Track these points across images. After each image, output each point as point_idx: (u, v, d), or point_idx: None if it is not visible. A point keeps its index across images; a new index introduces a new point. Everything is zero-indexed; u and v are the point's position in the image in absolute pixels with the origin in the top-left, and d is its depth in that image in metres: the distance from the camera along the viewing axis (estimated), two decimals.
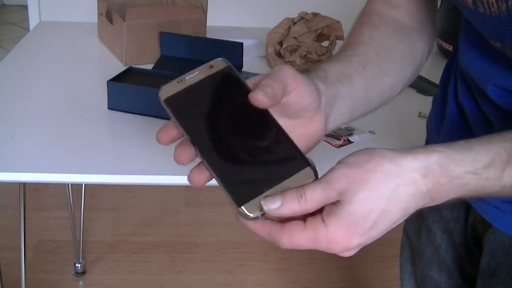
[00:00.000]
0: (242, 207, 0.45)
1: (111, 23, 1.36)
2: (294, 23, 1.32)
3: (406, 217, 0.47)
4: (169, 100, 0.47)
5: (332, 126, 0.57)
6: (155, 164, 0.89)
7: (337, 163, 0.46)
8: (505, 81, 0.59)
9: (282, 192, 0.45)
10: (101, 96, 1.11)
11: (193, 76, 0.48)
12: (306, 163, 0.47)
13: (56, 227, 2.07)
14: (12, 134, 0.95)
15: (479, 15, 0.56)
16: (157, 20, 1.32)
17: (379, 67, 0.61)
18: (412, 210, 0.46)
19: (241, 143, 0.47)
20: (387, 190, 0.45)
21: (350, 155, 0.47)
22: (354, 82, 0.58)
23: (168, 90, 0.48)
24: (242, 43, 1.24)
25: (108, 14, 1.38)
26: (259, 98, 0.46)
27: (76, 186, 1.89)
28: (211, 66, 0.49)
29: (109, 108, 1.07)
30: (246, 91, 0.47)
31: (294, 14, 1.35)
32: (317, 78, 0.55)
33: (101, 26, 1.45)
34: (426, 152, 0.46)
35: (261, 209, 0.45)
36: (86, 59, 1.35)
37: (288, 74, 0.48)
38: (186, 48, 1.28)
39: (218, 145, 0.46)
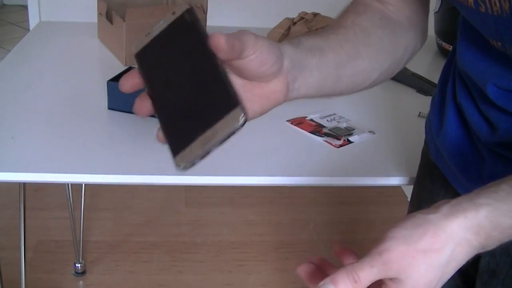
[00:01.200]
0: (176, 158, 0.43)
1: (111, 23, 1.36)
2: (294, 23, 1.32)
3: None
4: (138, 54, 0.47)
5: (295, 94, 0.56)
6: (155, 164, 0.89)
7: (388, 236, 0.46)
8: (504, 81, 0.59)
9: (332, 276, 0.45)
10: (101, 96, 1.11)
11: (158, 27, 0.48)
12: (235, 104, 0.43)
13: (56, 227, 2.07)
14: (12, 134, 0.95)
15: (480, 14, 0.55)
16: (157, 20, 1.32)
17: (355, 48, 0.61)
18: (463, 263, 0.48)
19: (182, 91, 0.45)
20: (444, 258, 0.46)
21: (399, 226, 0.47)
22: (326, 56, 0.58)
23: (138, 44, 0.48)
24: None
25: (108, 14, 1.38)
26: (219, 38, 0.45)
27: (76, 186, 1.89)
28: (173, 13, 0.48)
29: (109, 108, 1.07)
30: (202, 37, 0.46)
31: (294, 14, 1.35)
32: (288, 44, 0.55)
33: (101, 26, 1.45)
34: (474, 208, 0.47)
35: (192, 160, 0.43)
36: (86, 59, 1.35)
37: (249, 38, 0.48)
38: None
39: (165, 95, 0.46)
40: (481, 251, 0.48)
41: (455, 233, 0.46)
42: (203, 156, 0.44)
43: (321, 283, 0.45)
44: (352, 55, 0.60)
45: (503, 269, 0.67)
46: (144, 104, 0.48)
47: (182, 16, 0.47)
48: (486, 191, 0.48)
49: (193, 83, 0.45)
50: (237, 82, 0.50)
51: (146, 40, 0.47)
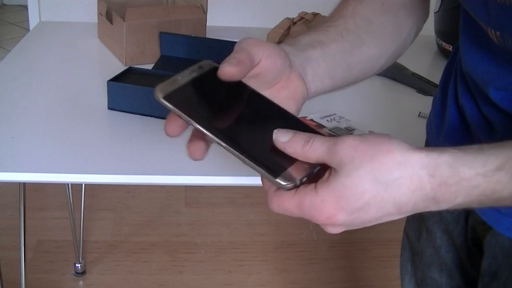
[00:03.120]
0: (278, 179, 0.45)
1: (111, 23, 1.36)
2: (294, 23, 1.32)
3: (401, 214, 0.46)
4: (169, 97, 0.49)
5: (314, 88, 0.58)
6: (155, 164, 0.89)
7: (355, 135, 0.45)
8: (506, 82, 0.59)
9: (296, 132, 0.46)
10: (101, 96, 1.11)
11: (186, 75, 0.52)
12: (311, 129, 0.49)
13: (56, 227, 2.07)
14: (12, 134, 0.95)
15: (481, 2, 0.55)
16: (157, 20, 1.32)
17: (358, 37, 0.61)
18: (409, 208, 0.45)
19: (245, 122, 0.50)
20: (387, 177, 0.43)
21: (371, 133, 0.46)
22: (328, 47, 0.59)
23: (165, 88, 0.50)
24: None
25: (108, 14, 1.38)
26: (226, 70, 0.48)
27: (76, 186, 1.89)
28: (201, 67, 0.53)
29: (109, 108, 1.07)
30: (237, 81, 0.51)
31: (294, 14, 1.35)
32: (285, 44, 0.57)
33: (101, 26, 1.45)
34: (439, 151, 0.45)
35: (295, 178, 0.46)
36: (86, 59, 1.35)
37: (251, 43, 0.51)
38: (186, 48, 1.28)
39: (228, 128, 0.49)
40: (431, 205, 0.45)
41: (410, 164, 0.43)
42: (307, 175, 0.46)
43: (284, 130, 0.46)
44: (355, 44, 0.61)
45: (504, 271, 0.67)
46: (199, 146, 0.49)
47: (212, 70, 0.53)
48: (460, 146, 0.46)
49: (253, 115, 0.51)
50: (266, 94, 0.51)
51: (175, 85, 0.51)
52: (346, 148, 0.43)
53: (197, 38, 1.31)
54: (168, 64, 1.26)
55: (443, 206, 0.45)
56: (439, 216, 0.77)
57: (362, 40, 0.61)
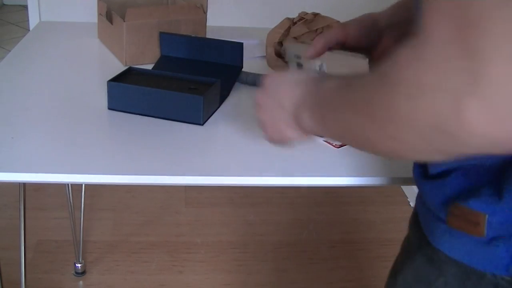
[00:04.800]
0: None
1: (111, 23, 1.36)
2: (294, 23, 1.32)
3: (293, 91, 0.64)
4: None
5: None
6: (155, 164, 0.89)
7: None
8: None
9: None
10: (101, 96, 1.11)
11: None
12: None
13: (56, 227, 2.07)
14: (12, 134, 0.95)
15: None
16: (157, 20, 1.32)
17: None
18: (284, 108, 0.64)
19: None
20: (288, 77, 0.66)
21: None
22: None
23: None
24: (242, 43, 1.24)
25: (108, 14, 1.38)
26: (317, 44, 0.82)
27: (76, 186, 1.89)
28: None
29: (109, 108, 1.07)
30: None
31: (294, 14, 1.35)
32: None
33: (101, 26, 1.45)
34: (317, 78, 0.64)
35: None
36: (86, 59, 1.35)
37: (336, 26, 0.77)
38: (186, 48, 1.28)
39: None
40: (294, 121, 0.62)
41: (293, 74, 0.65)
42: None
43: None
44: None
45: None
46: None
47: None
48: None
49: None
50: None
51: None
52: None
53: (197, 38, 1.31)
54: (168, 64, 1.26)
55: (301, 123, 0.63)
56: None
57: None
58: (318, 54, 0.75)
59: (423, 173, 0.65)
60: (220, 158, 0.93)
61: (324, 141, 0.99)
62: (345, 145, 0.99)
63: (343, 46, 0.76)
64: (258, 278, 1.91)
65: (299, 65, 0.76)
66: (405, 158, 0.48)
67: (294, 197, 2.35)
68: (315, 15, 1.34)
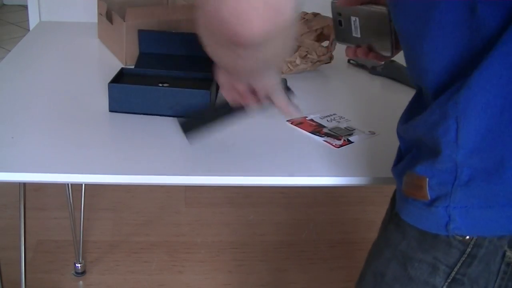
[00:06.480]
0: None
1: (111, 23, 1.36)
2: None
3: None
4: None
5: None
6: (155, 164, 0.89)
7: None
8: None
9: None
10: (101, 96, 1.11)
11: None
12: None
13: (56, 227, 2.07)
14: (12, 134, 0.95)
15: None
16: (157, 20, 1.32)
17: None
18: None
19: None
20: None
21: None
22: None
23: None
24: None
25: (108, 14, 1.38)
26: None
27: (76, 186, 1.89)
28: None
29: (110, 111, 1.06)
30: None
31: None
32: None
33: (101, 26, 1.45)
34: None
35: None
36: (86, 59, 1.35)
37: None
38: (166, 44, 1.28)
39: None
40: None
41: None
42: None
43: None
44: None
45: None
46: None
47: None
48: None
49: None
50: None
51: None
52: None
53: (176, 33, 1.31)
54: (148, 61, 1.26)
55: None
56: None
57: None
58: (350, 4, 0.83)
59: (397, 160, 0.75)
60: (220, 158, 0.93)
61: (324, 141, 1.00)
62: (344, 145, 0.99)
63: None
64: (258, 278, 1.91)
65: (340, 23, 0.86)
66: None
67: (294, 197, 2.35)
68: (315, 15, 1.34)
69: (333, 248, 2.07)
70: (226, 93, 0.82)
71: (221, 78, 0.80)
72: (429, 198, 0.64)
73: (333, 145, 0.98)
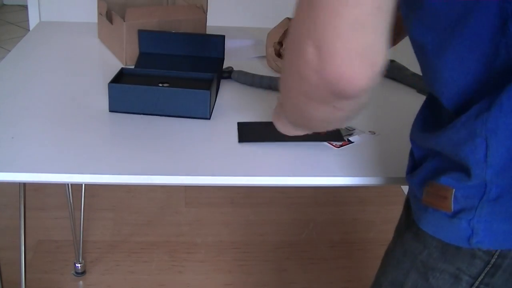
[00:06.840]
0: None
1: (111, 23, 1.36)
2: None
3: None
4: None
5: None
6: (155, 164, 0.89)
7: None
8: None
9: None
10: (101, 96, 1.11)
11: None
12: None
13: (56, 227, 2.07)
14: (12, 134, 0.95)
15: None
16: (157, 20, 1.32)
17: None
18: None
19: None
20: None
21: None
22: None
23: None
24: (223, 36, 1.24)
25: (108, 14, 1.38)
26: None
27: (76, 186, 1.89)
28: None
29: (110, 111, 1.06)
30: None
31: None
32: None
33: (101, 26, 1.45)
34: None
35: None
36: (86, 59, 1.35)
37: None
38: (166, 44, 1.28)
39: None
40: None
41: None
42: None
43: None
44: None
45: None
46: None
47: None
48: None
49: None
50: None
51: None
52: None
53: (177, 33, 1.31)
54: (148, 61, 1.26)
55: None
56: None
57: None
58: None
59: (412, 166, 0.73)
60: (220, 158, 0.93)
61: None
62: (345, 145, 0.99)
63: None
64: (258, 278, 1.91)
65: None
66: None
67: (294, 197, 2.35)
68: None
69: (333, 248, 2.07)
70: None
71: (282, 128, 0.81)
72: (453, 210, 0.63)
73: (333, 145, 0.98)
